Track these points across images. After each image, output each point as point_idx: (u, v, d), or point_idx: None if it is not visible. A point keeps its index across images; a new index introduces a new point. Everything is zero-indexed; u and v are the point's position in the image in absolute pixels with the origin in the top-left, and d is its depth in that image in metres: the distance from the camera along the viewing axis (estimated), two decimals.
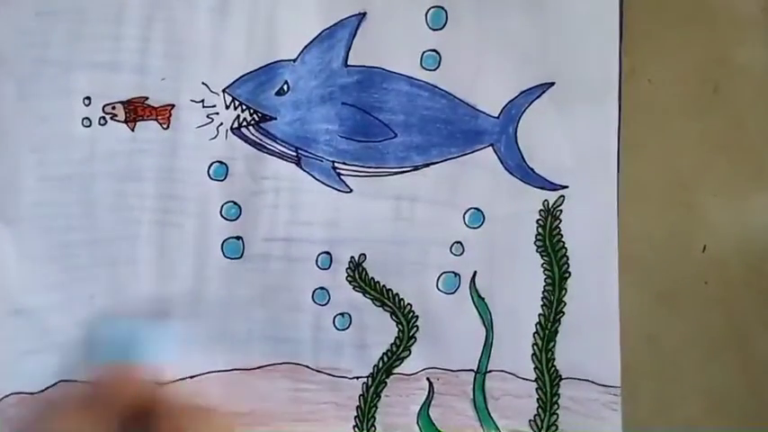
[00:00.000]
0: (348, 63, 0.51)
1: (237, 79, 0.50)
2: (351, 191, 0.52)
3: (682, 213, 0.54)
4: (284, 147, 0.51)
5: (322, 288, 0.52)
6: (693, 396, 0.55)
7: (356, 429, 0.53)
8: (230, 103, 0.51)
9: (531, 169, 0.53)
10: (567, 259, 0.53)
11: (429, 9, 0.51)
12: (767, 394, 0.55)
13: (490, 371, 0.53)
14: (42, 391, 0.50)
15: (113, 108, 0.50)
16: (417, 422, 0.53)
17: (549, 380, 0.54)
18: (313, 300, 0.52)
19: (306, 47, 0.51)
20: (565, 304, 0.53)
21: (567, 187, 0.53)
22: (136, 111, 0.50)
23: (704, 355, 0.54)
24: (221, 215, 0.51)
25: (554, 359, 0.53)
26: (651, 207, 0.54)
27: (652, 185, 0.53)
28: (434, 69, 0.52)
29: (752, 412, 0.54)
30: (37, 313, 0.50)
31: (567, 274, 0.53)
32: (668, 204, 0.54)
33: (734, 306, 0.54)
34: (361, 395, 0.53)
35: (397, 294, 0.53)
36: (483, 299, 0.53)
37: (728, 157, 0.54)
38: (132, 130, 0.50)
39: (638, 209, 0.53)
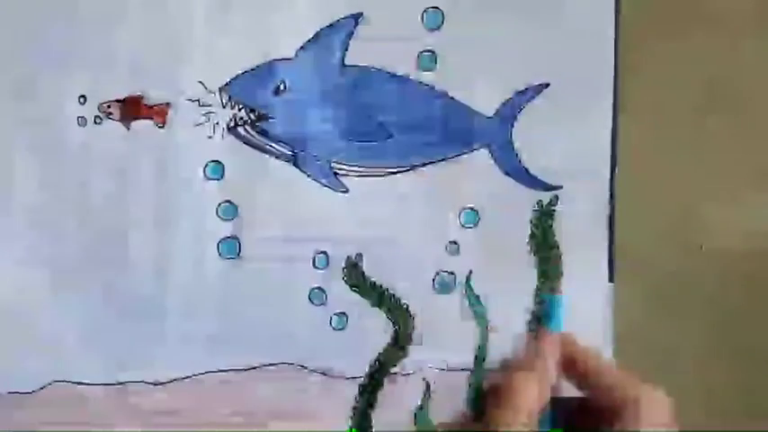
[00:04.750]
0: (345, 63, 0.51)
1: (234, 78, 0.50)
2: (347, 190, 0.52)
3: (678, 213, 0.55)
4: (281, 146, 0.51)
5: (318, 288, 0.52)
6: (689, 395, 0.55)
7: (352, 429, 0.53)
8: (227, 102, 0.50)
9: (526, 170, 0.53)
10: (560, 258, 0.54)
11: (425, 10, 0.52)
12: (763, 393, 0.55)
13: (486, 370, 0.53)
14: (36, 391, 0.49)
15: (109, 107, 0.49)
16: (414, 421, 0.53)
17: None
18: (310, 299, 0.52)
19: (303, 46, 0.51)
20: None
21: (560, 188, 0.53)
22: (131, 109, 0.49)
23: (701, 354, 0.55)
24: (217, 215, 0.51)
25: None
26: (648, 207, 0.54)
27: (649, 185, 0.54)
28: (431, 70, 0.52)
29: (748, 411, 0.55)
30: (32, 313, 0.49)
31: (560, 273, 0.54)
32: (665, 204, 0.54)
33: (731, 306, 0.55)
34: (357, 395, 0.53)
35: (393, 294, 0.53)
36: (478, 297, 0.53)
37: (726, 157, 0.54)
38: (128, 128, 0.50)
39: (636, 209, 0.54)
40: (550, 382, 0.45)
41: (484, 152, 0.53)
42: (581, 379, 0.46)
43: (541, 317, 0.50)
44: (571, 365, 0.46)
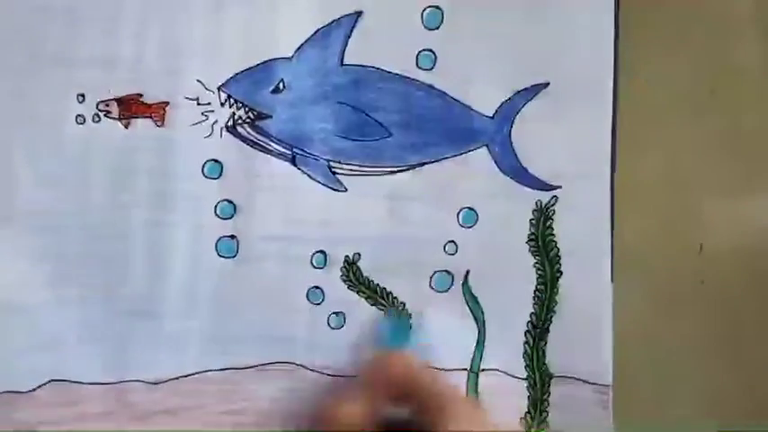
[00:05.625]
0: (344, 62, 0.51)
1: (233, 77, 0.50)
2: (346, 190, 0.52)
3: (678, 213, 0.55)
4: (279, 145, 0.51)
5: (317, 287, 0.52)
6: (689, 395, 0.55)
7: None
8: (225, 101, 0.50)
9: (525, 169, 0.53)
10: (560, 259, 0.54)
11: (425, 9, 0.52)
12: (762, 393, 0.56)
13: (483, 369, 0.54)
14: (33, 390, 0.49)
15: (107, 105, 0.49)
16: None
17: (540, 378, 0.54)
18: (308, 299, 0.52)
19: (302, 45, 0.51)
20: (557, 303, 0.54)
21: (560, 188, 0.53)
22: (130, 108, 0.49)
23: (700, 354, 0.55)
24: (216, 214, 0.51)
25: (545, 358, 0.54)
26: (648, 207, 0.54)
27: (649, 185, 0.54)
28: (430, 69, 0.52)
29: (747, 411, 0.55)
30: (29, 312, 0.49)
31: (559, 274, 0.54)
32: (665, 204, 0.54)
33: (730, 305, 0.55)
34: None
35: (390, 293, 0.53)
36: (476, 298, 0.53)
37: (725, 157, 0.54)
38: (126, 127, 0.49)
39: (635, 209, 0.54)
40: (372, 406, 0.45)
41: (483, 152, 0.53)
42: (404, 398, 0.47)
43: (380, 337, 0.51)
44: (397, 386, 0.46)
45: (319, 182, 0.52)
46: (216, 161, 0.51)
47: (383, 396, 0.46)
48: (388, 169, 0.52)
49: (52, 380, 0.50)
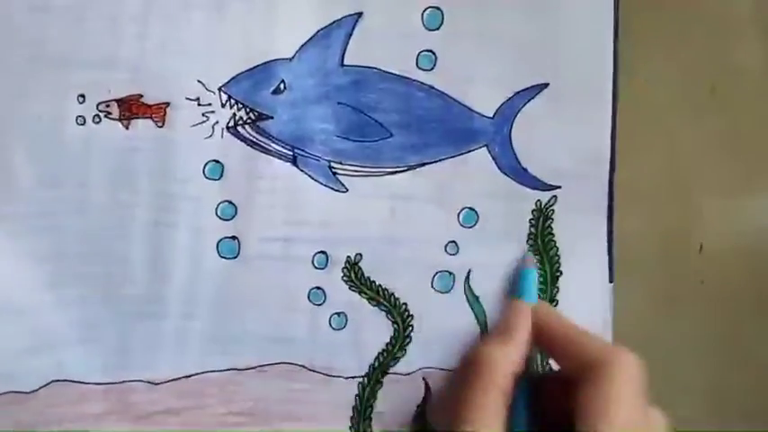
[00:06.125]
0: (344, 63, 0.51)
1: (233, 77, 0.50)
2: (347, 190, 0.52)
3: (678, 213, 0.55)
4: (280, 146, 0.51)
5: (318, 288, 0.52)
6: (690, 396, 0.55)
7: (352, 429, 0.53)
8: (226, 102, 0.50)
9: (525, 170, 0.53)
10: (559, 258, 0.54)
11: (425, 9, 0.52)
12: (762, 393, 0.56)
13: None
14: (35, 390, 0.49)
15: (108, 106, 0.49)
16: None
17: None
18: (309, 299, 0.52)
19: (302, 46, 0.51)
20: (557, 303, 0.54)
21: (559, 188, 0.53)
22: (130, 109, 0.49)
23: (701, 354, 0.55)
24: (216, 215, 0.51)
25: (547, 357, 0.54)
26: (648, 207, 0.54)
27: (649, 185, 0.54)
28: (430, 69, 0.52)
29: (748, 412, 0.55)
30: (29, 312, 0.49)
31: (559, 273, 0.54)
32: (665, 204, 0.54)
33: (730, 306, 0.55)
34: (356, 395, 0.53)
35: (392, 294, 0.53)
36: (477, 297, 0.53)
37: (725, 156, 0.55)
38: (126, 128, 0.49)
39: (635, 208, 0.54)
40: (522, 352, 0.46)
41: (483, 152, 0.53)
42: (551, 348, 0.47)
43: (513, 290, 0.51)
44: (542, 335, 0.47)
45: (320, 182, 0.52)
46: (217, 162, 0.50)
47: (528, 341, 0.47)
48: (389, 170, 0.52)
49: (54, 380, 0.50)
